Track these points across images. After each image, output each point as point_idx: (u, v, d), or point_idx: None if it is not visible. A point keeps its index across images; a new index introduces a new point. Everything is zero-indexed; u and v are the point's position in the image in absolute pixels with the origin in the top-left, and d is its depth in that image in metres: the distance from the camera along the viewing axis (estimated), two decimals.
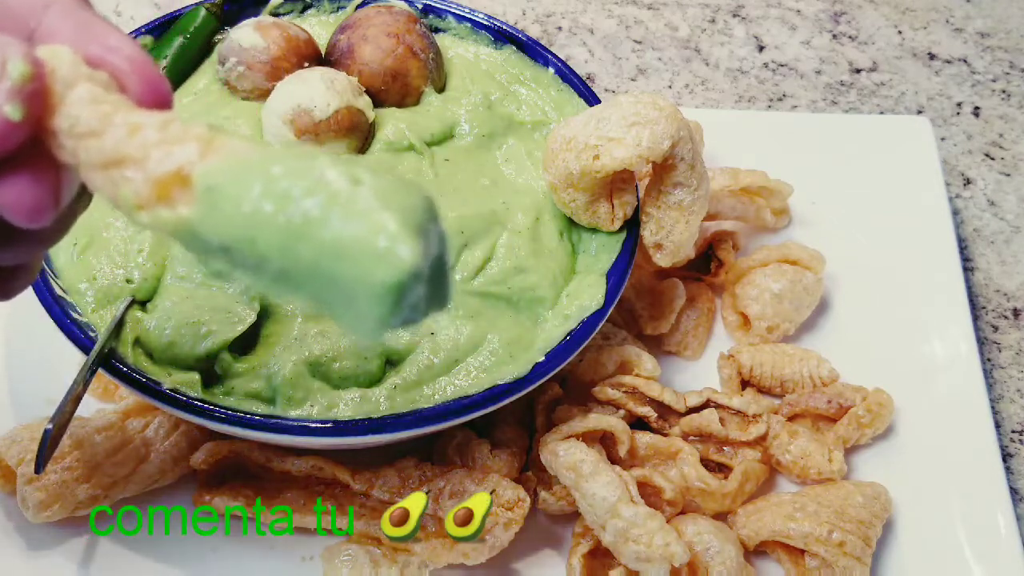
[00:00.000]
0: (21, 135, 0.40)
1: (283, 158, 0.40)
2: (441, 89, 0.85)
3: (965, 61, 1.21)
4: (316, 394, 0.69)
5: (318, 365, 0.69)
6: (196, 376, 0.68)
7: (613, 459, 0.76)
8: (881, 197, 0.98)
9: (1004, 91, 1.18)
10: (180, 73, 0.83)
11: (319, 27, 0.88)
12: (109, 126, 0.41)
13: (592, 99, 0.85)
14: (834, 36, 1.23)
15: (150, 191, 0.41)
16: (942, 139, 1.12)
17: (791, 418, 0.83)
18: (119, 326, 0.68)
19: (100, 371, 0.66)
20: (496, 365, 0.70)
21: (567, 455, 0.71)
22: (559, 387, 0.80)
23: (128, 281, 0.71)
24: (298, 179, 0.39)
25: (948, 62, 1.20)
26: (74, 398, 0.65)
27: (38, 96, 0.41)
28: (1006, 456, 0.87)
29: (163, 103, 0.45)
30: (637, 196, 0.79)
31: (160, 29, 0.85)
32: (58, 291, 0.70)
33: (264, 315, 0.71)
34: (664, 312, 0.86)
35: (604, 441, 0.77)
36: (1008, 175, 1.09)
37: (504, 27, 0.88)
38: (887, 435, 0.83)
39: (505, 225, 0.76)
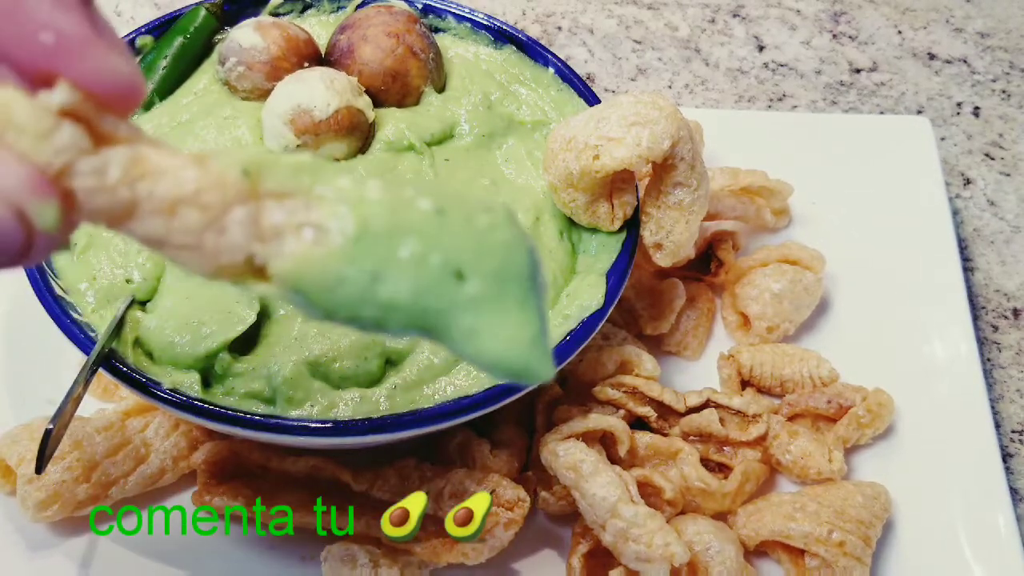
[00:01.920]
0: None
1: (365, 254, 0.39)
2: (441, 89, 0.85)
3: (965, 61, 1.21)
4: (316, 394, 0.69)
5: (318, 365, 0.69)
6: (196, 376, 0.68)
7: (613, 459, 0.76)
8: (881, 197, 0.98)
9: (1004, 91, 1.18)
10: (180, 73, 0.83)
11: (319, 27, 0.88)
12: (136, 208, 0.38)
13: (592, 99, 0.85)
14: (834, 36, 1.23)
15: (216, 272, 0.39)
16: (942, 139, 1.12)
17: (791, 418, 0.83)
18: (119, 326, 0.68)
19: (100, 371, 0.66)
20: None
21: (567, 455, 0.71)
22: (559, 387, 0.80)
23: (128, 281, 0.71)
24: (396, 282, 0.39)
25: (948, 62, 1.20)
26: (74, 398, 0.65)
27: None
28: (1006, 456, 0.87)
29: (131, 95, 0.40)
30: (637, 196, 0.79)
31: (160, 29, 0.85)
32: (58, 291, 0.70)
33: (264, 315, 0.71)
34: (664, 312, 0.86)
35: (604, 441, 0.77)
36: (1008, 175, 1.09)
37: (504, 27, 0.88)
38: (887, 435, 0.83)
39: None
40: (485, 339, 0.41)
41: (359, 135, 0.78)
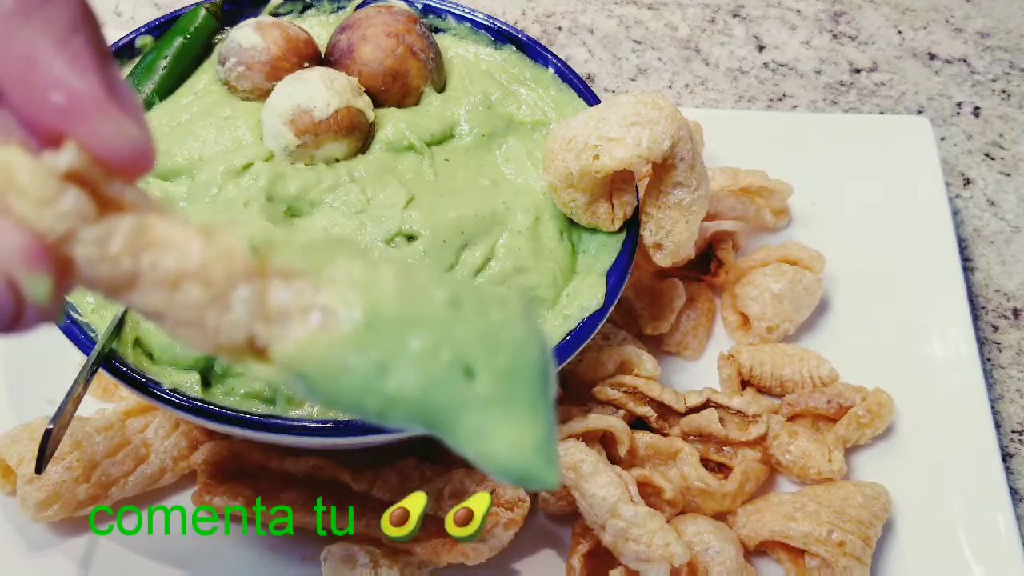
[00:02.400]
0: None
1: (373, 344, 0.38)
2: (441, 89, 0.85)
3: (965, 61, 1.21)
4: None
5: None
6: (196, 376, 0.68)
7: (613, 459, 0.76)
8: (881, 197, 0.98)
9: (1004, 91, 1.18)
10: (180, 73, 0.83)
11: (319, 27, 0.88)
12: (137, 280, 0.36)
13: (592, 99, 0.85)
14: (834, 36, 1.23)
15: (214, 350, 0.38)
16: (942, 139, 1.12)
17: (791, 418, 0.83)
18: (119, 326, 0.68)
19: (100, 371, 0.66)
20: None
21: (567, 455, 0.71)
22: (559, 387, 0.80)
23: None
24: (400, 375, 0.38)
25: (948, 62, 1.20)
26: (74, 398, 0.65)
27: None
28: (1006, 456, 0.87)
29: (141, 161, 0.38)
30: (637, 196, 0.79)
31: (160, 29, 0.85)
32: None
33: None
34: (664, 312, 0.86)
35: (604, 441, 0.77)
36: (1008, 175, 1.09)
37: (504, 27, 0.88)
38: (887, 435, 0.83)
39: (505, 225, 0.76)
40: (490, 441, 0.39)
41: (359, 135, 0.78)
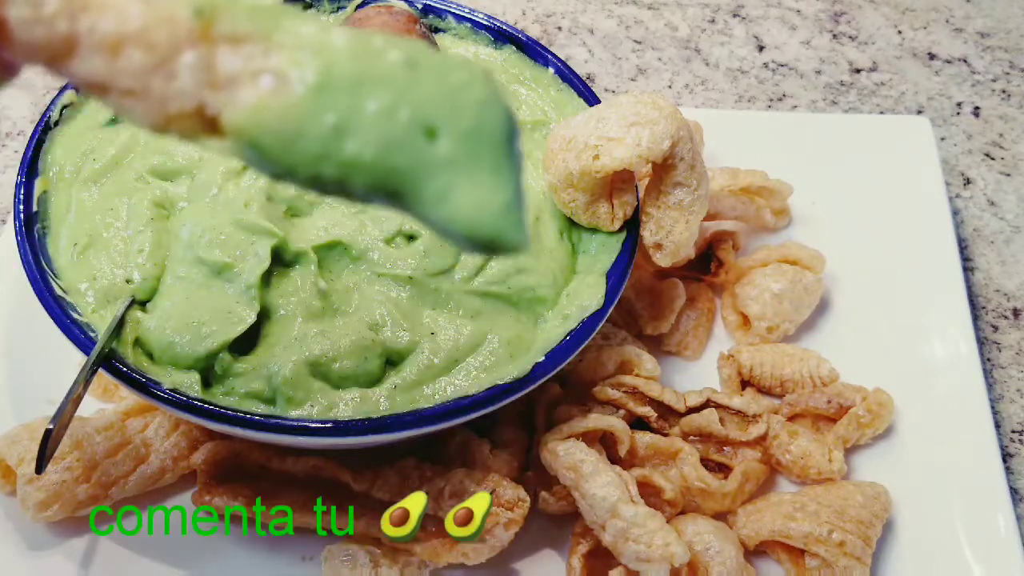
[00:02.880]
0: None
1: (328, 106, 0.36)
2: None
3: (965, 61, 1.21)
4: (316, 394, 0.69)
5: (318, 365, 0.69)
6: (196, 376, 0.68)
7: (613, 459, 0.76)
8: (881, 197, 0.98)
9: (1004, 91, 1.18)
10: None
11: None
12: (76, 44, 0.35)
13: (592, 99, 0.85)
14: (834, 36, 1.23)
15: (164, 122, 0.36)
16: (942, 139, 1.12)
17: (791, 418, 0.83)
18: (119, 326, 0.68)
19: (100, 371, 0.66)
20: (496, 365, 0.70)
21: (567, 455, 0.71)
22: (559, 387, 0.80)
23: (128, 281, 0.71)
24: (362, 133, 0.36)
25: (948, 62, 1.20)
26: (74, 398, 0.65)
27: None
28: (1006, 456, 0.87)
29: None
30: (637, 196, 0.79)
31: None
32: (58, 291, 0.70)
33: (264, 315, 0.71)
34: (664, 312, 0.86)
35: (604, 441, 0.77)
36: (1008, 175, 1.09)
37: (504, 27, 0.88)
38: (887, 435, 0.83)
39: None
40: (455, 204, 0.38)
41: None
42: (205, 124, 0.37)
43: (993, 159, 1.11)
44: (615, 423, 0.75)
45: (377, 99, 0.37)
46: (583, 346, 0.72)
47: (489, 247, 0.39)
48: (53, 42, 0.35)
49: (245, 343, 0.70)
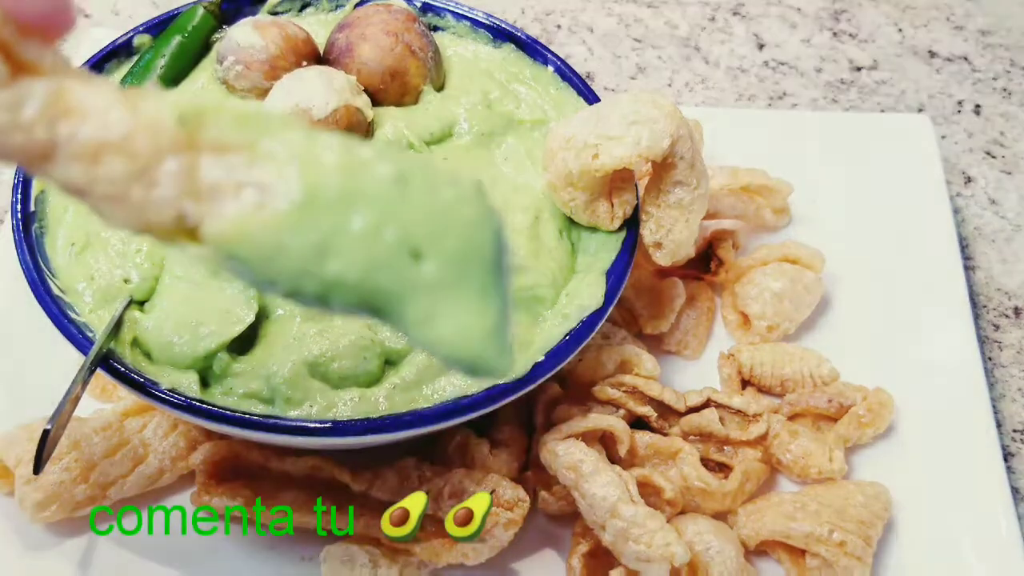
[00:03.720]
0: None
1: (312, 223, 0.34)
2: (440, 88, 0.85)
3: (966, 59, 1.20)
4: (315, 394, 0.68)
5: (317, 365, 0.69)
6: (194, 376, 0.68)
7: (613, 459, 0.75)
8: (882, 196, 0.98)
9: (1005, 89, 1.17)
10: (178, 72, 0.83)
11: (317, 26, 0.88)
12: (54, 151, 0.34)
13: (591, 98, 0.84)
14: (834, 34, 1.23)
15: (142, 228, 0.35)
16: (943, 137, 1.12)
17: (791, 417, 0.83)
18: (117, 326, 0.68)
19: (98, 371, 0.66)
20: None
21: (567, 455, 0.71)
22: (559, 387, 0.79)
23: (126, 281, 0.71)
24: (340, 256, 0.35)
25: (949, 60, 1.20)
26: (72, 398, 0.65)
27: None
28: (1007, 455, 0.87)
29: (58, 19, 0.35)
30: (637, 195, 0.78)
31: (158, 28, 0.84)
32: (56, 291, 0.69)
33: (263, 315, 0.71)
34: (664, 311, 0.85)
35: (604, 441, 0.77)
36: (1009, 173, 1.09)
37: (503, 25, 0.88)
38: (888, 434, 0.83)
39: (504, 224, 0.76)
40: (440, 327, 0.37)
41: (358, 134, 0.78)
42: (184, 232, 0.36)
43: (994, 157, 1.10)
44: (615, 423, 0.75)
45: (363, 217, 0.35)
46: (583, 345, 0.72)
47: (472, 371, 0.38)
48: (31, 148, 0.34)
49: (244, 343, 0.70)
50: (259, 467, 0.74)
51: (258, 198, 0.35)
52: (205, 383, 0.69)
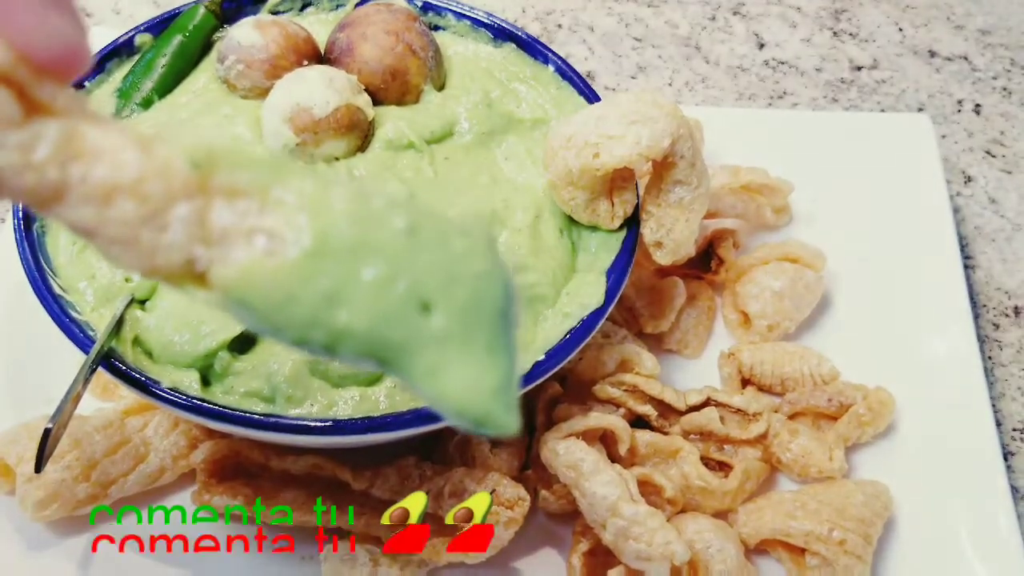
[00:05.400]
0: None
1: (322, 273, 0.34)
2: (441, 87, 0.85)
3: (966, 58, 1.20)
4: (316, 393, 0.68)
5: (318, 364, 0.69)
6: (195, 375, 0.68)
7: (613, 458, 0.75)
8: (882, 195, 0.98)
9: (1005, 88, 1.17)
10: (179, 71, 0.83)
11: (318, 25, 0.88)
12: (66, 192, 0.33)
13: (592, 97, 0.84)
14: (835, 33, 1.23)
15: (150, 272, 0.35)
16: (943, 137, 1.12)
17: (792, 416, 0.83)
18: (118, 325, 0.68)
19: (99, 370, 0.66)
20: None
21: (567, 453, 0.71)
22: (559, 385, 0.79)
23: (127, 280, 0.71)
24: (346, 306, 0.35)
25: (949, 59, 1.20)
26: (74, 397, 0.65)
27: None
28: (1007, 454, 0.87)
29: (73, 60, 0.34)
30: (637, 194, 0.78)
31: (159, 27, 0.84)
32: (57, 290, 0.69)
33: None
34: (664, 310, 0.85)
35: (604, 440, 0.77)
36: (1009, 173, 1.09)
37: (504, 25, 0.88)
38: (888, 433, 0.83)
39: (505, 223, 0.76)
40: (445, 381, 0.36)
41: (358, 133, 0.78)
42: (193, 277, 0.36)
43: (994, 157, 1.10)
44: (615, 422, 0.75)
45: (374, 268, 0.35)
46: (583, 344, 0.72)
47: (476, 426, 0.38)
48: (42, 189, 0.33)
49: (244, 342, 0.70)
50: (260, 466, 0.75)
51: (268, 245, 0.35)
52: (206, 382, 0.69)
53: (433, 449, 0.77)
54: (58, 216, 0.35)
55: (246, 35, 0.80)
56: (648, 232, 0.78)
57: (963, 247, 1.01)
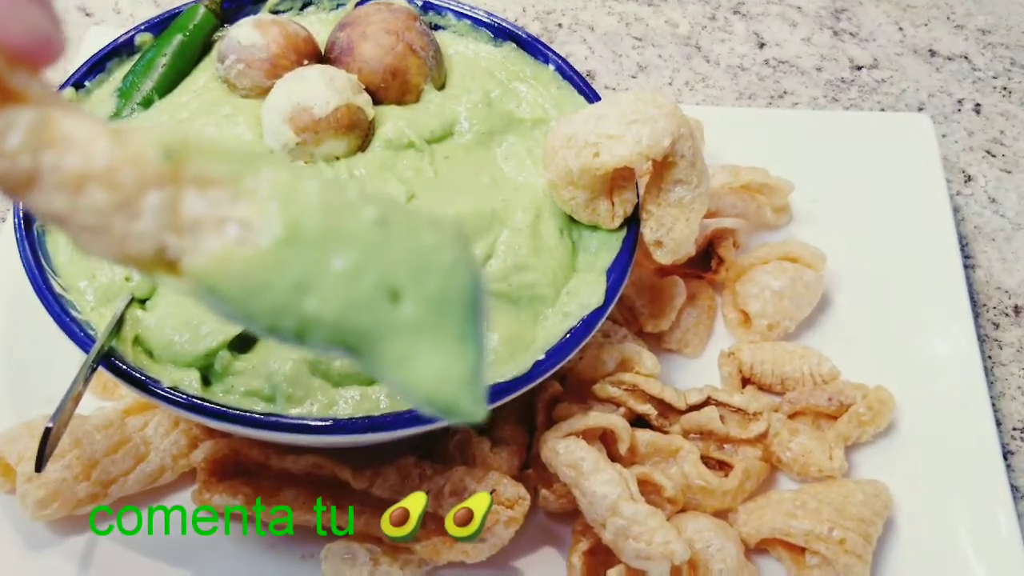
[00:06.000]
0: None
1: (293, 261, 0.35)
2: (441, 87, 0.85)
3: (966, 58, 1.20)
4: (316, 392, 0.69)
5: (318, 363, 0.69)
6: (196, 374, 0.68)
7: (613, 457, 0.76)
8: (882, 194, 0.98)
9: (1005, 88, 1.17)
10: (179, 71, 0.83)
11: (318, 24, 0.88)
12: (37, 179, 0.34)
13: (592, 96, 0.84)
14: (835, 33, 1.23)
15: (121, 260, 0.36)
16: (943, 136, 1.12)
17: (792, 416, 0.83)
18: (119, 324, 0.68)
19: (100, 369, 0.66)
20: (496, 363, 0.70)
21: (567, 453, 0.71)
22: (559, 385, 0.79)
23: (128, 279, 0.71)
24: (326, 297, 0.35)
25: (949, 59, 1.20)
26: (74, 396, 0.65)
27: None
28: (1007, 454, 0.87)
29: (46, 49, 0.35)
30: (637, 194, 0.78)
31: (159, 27, 0.84)
32: (58, 289, 0.69)
33: None
34: (664, 310, 0.85)
35: (604, 439, 0.77)
36: (1009, 172, 1.09)
37: (504, 24, 0.88)
38: (888, 433, 0.83)
39: (505, 223, 0.76)
40: (414, 370, 0.37)
41: (359, 133, 0.78)
42: (165, 265, 0.36)
43: (994, 156, 1.10)
44: (615, 421, 0.75)
45: (344, 257, 0.36)
46: (583, 344, 0.72)
47: (445, 414, 0.38)
48: (13, 176, 0.34)
49: (245, 341, 0.70)
50: (260, 465, 0.75)
51: (240, 234, 0.35)
52: (206, 381, 0.69)
53: (433, 448, 0.77)
54: (30, 203, 0.35)
55: (246, 34, 0.80)
56: (648, 231, 0.78)
57: (963, 247, 1.01)
